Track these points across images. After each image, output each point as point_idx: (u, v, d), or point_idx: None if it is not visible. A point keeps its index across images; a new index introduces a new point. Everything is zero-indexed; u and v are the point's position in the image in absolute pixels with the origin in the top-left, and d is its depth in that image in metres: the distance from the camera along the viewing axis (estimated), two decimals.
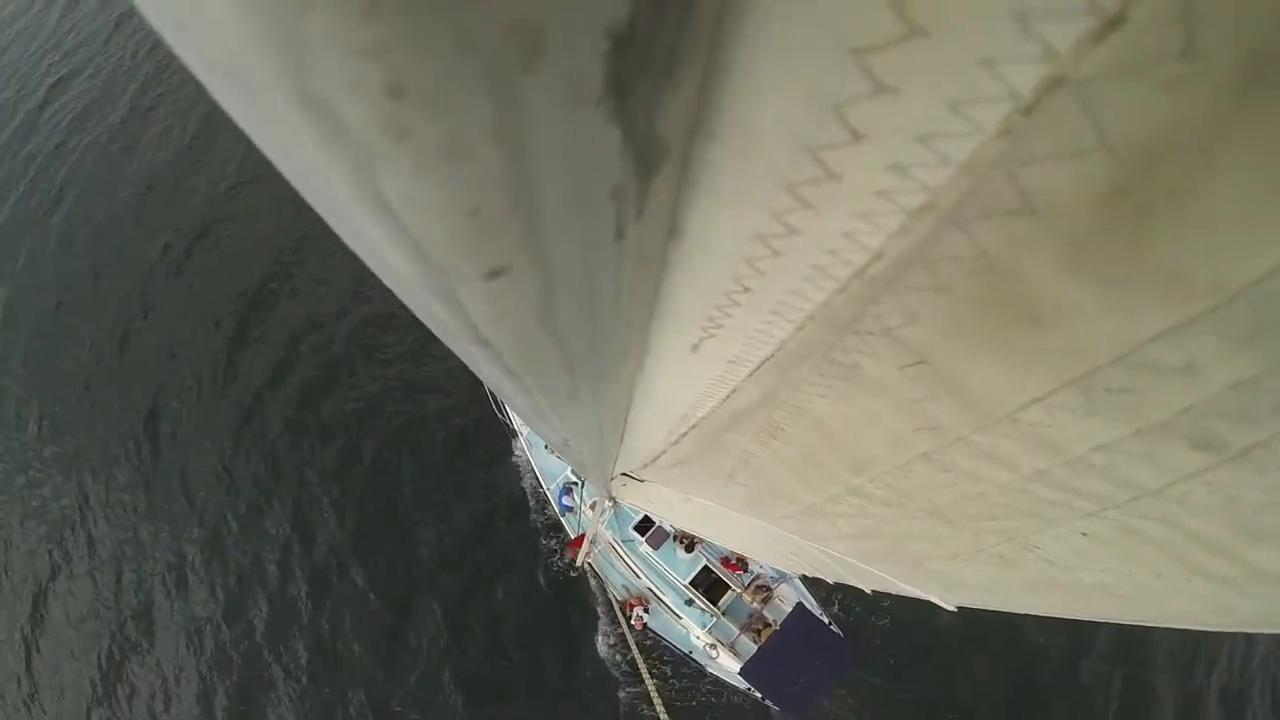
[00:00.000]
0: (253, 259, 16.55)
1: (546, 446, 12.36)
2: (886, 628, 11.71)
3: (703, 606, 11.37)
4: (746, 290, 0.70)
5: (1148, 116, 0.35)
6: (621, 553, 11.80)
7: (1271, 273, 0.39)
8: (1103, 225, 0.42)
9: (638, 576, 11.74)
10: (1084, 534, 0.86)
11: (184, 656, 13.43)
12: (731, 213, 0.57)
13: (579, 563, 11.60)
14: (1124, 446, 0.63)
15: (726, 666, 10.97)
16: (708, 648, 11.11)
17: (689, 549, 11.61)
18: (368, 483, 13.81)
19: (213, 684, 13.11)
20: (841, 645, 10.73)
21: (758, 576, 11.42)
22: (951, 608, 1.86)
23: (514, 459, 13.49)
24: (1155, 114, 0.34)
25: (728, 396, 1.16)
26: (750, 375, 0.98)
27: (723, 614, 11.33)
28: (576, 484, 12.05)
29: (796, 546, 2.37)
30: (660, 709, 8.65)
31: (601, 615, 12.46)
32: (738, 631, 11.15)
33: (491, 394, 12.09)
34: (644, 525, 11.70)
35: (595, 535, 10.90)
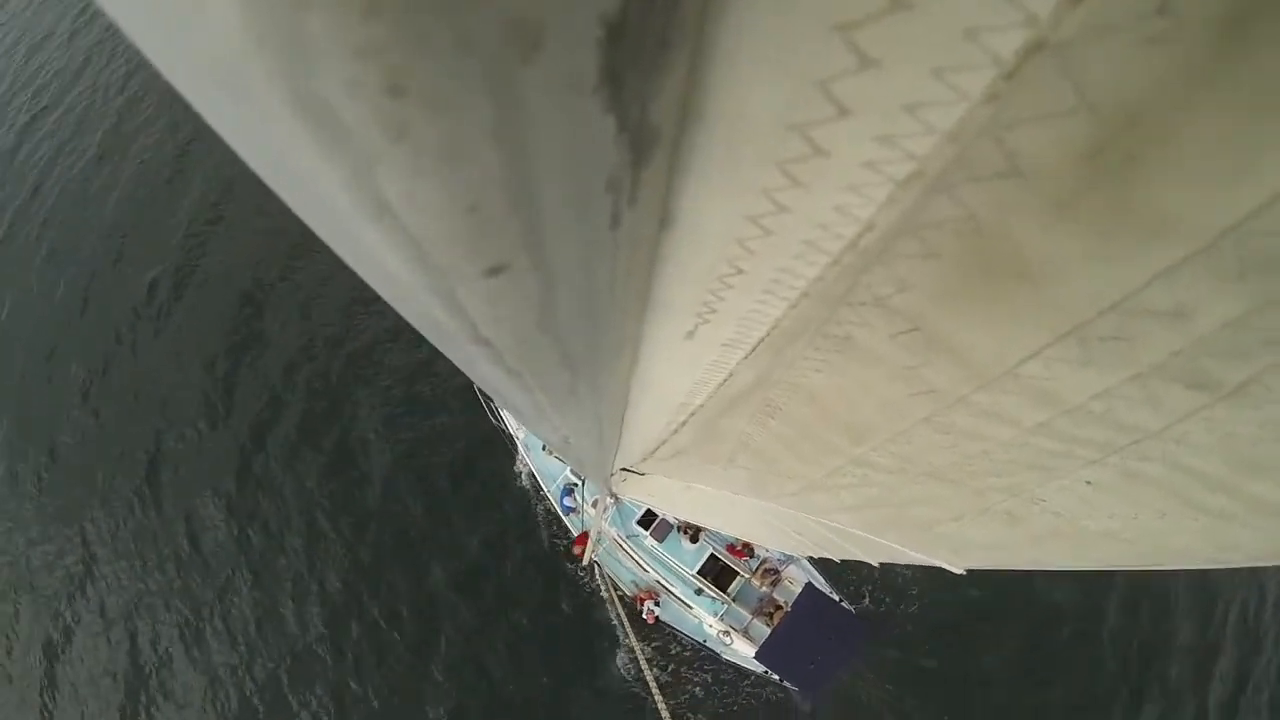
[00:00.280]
0: (239, 291, 16.39)
1: (545, 448, 12.35)
2: (900, 602, 11.82)
3: (713, 594, 11.42)
4: (739, 272, 0.70)
5: (1127, 74, 0.36)
6: (627, 548, 11.82)
7: (1253, 213, 0.40)
8: (1088, 180, 0.43)
9: (645, 571, 11.76)
10: (1088, 482, 0.87)
11: (206, 709, 13.23)
12: (722, 195, 0.57)
13: (585, 561, 11.60)
14: (1121, 392, 0.64)
15: (742, 652, 11.02)
16: (721, 635, 11.16)
17: (693, 539, 11.64)
18: (377, 513, 13.68)
19: None
20: (854, 621, 10.80)
21: (765, 560, 11.47)
22: (961, 570, 1.88)
23: (516, 469, 13.48)
24: (1134, 71, 0.35)
25: (724, 381, 1.17)
26: (746, 357, 0.99)
27: (733, 600, 11.37)
28: (577, 483, 12.05)
29: (800, 525, 2.38)
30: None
31: (612, 615, 12.49)
32: (750, 616, 11.20)
33: (487, 403, 12.07)
34: (647, 519, 11.72)
35: (599, 533, 10.90)
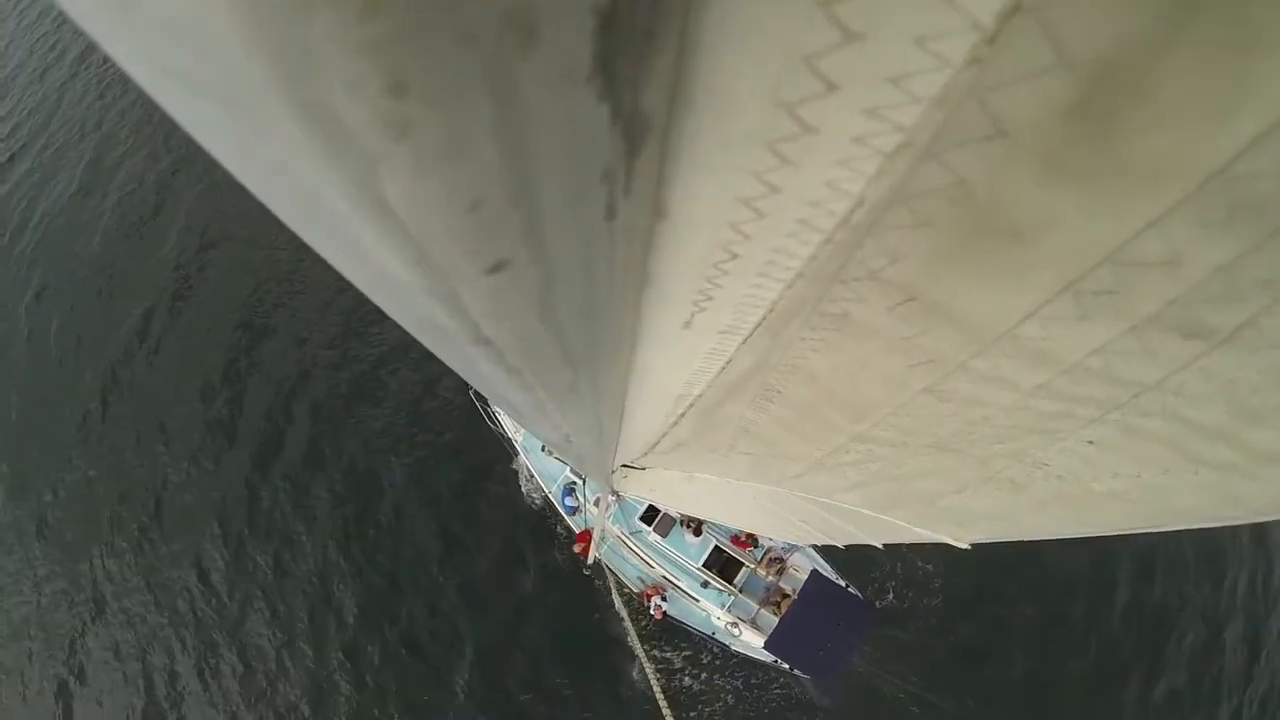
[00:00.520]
0: (235, 320, 16.26)
1: (544, 449, 12.34)
2: (909, 586, 11.89)
3: (719, 587, 11.43)
4: (734, 257, 0.71)
5: (1103, 26, 0.36)
6: (631, 545, 11.83)
7: (1238, 155, 0.41)
8: (1073, 135, 0.44)
9: (651, 566, 11.77)
10: (1090, 441, 0.88)
11: None
12: (714, 180, 0.58)
13: (589, 560, 11.61)
14: (1118, 346, 0.65)
15: (751, 643, 11.03)
16: (729, 626, 11.18)
17: (697, 532, 11.66)
18: (389, 534, 13.62)
19: None
20: (862, 606, 10.83)
21: (769, 550, 11.49)
22: (966, 545, 1.89)
23: (514, 467, 13.49)
24: (1110, 23, 0.36)
25: (723, 368, 1.17)
26: (743, 343, 0.99)
27: (740, 591, 11.39)
28: (578, 483, 12.04)
29: (803, 511, 2.39)
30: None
31: (618, 614, 12.51)
32: (757, 607, 11.21)
33: (484, 408, 12.05)
34: (650, 515, 11.73)
35: (603, 531, 10.90)
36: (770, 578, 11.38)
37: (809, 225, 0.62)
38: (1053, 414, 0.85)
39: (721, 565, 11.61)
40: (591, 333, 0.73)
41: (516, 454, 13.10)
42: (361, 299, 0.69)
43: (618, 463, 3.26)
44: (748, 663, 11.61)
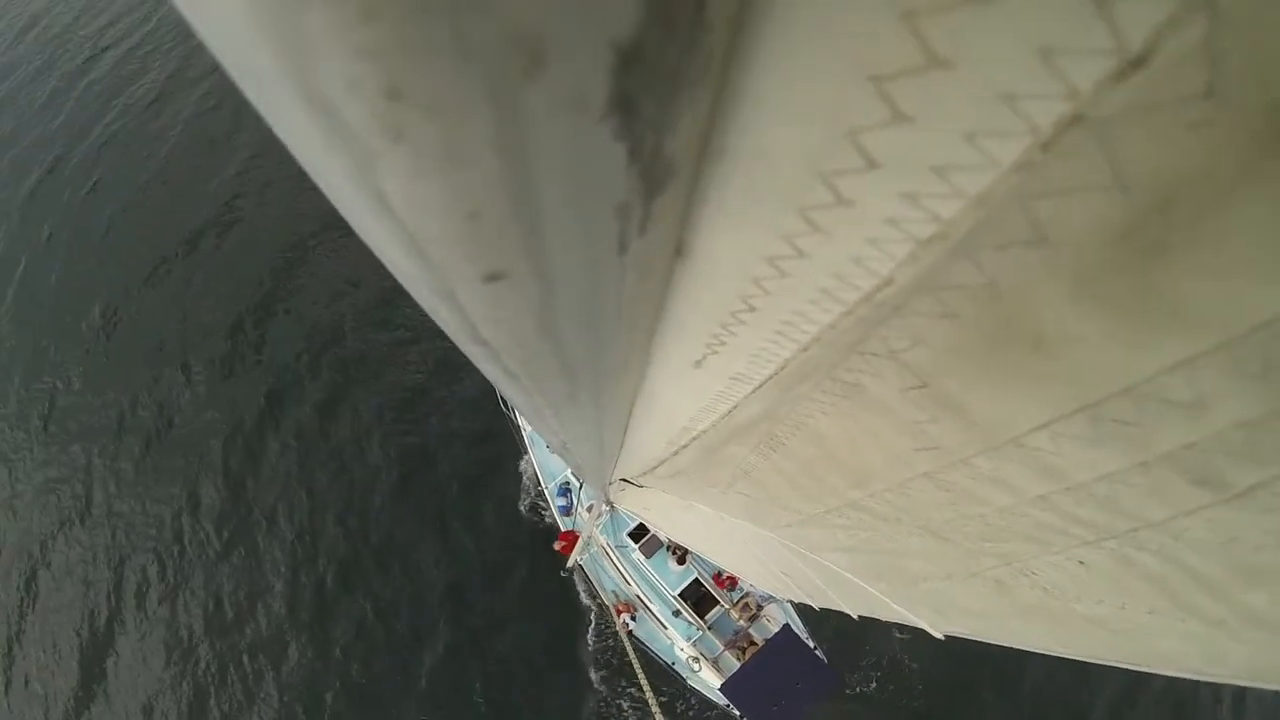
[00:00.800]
0: (275, 256, 16.39)
1: (548, 445, 12.33)
2: (894, 680, 11.71)
3: (689, 619, 11.33)
4: (752, 310, 0.70)
5: (1167, 157, 0.35)
6: (614, 558, 11.77)
7: None
8: (1115, 260, 0.42)
9: (628, 584, 11.71)
10: (1081, 562, 0.86)
11: None
12: (740, 233, 0.57)
13: (570, 564, 11.57)
14: (1127, 478, 0.63)
15: (708, 681, 10.90)
16: (690, 660, 11.06)
17: (681, 560, 11.58)
18: (386, 505, 13.59)
19: None
20: (825, 671, 10.66)
21: (747, 595, 11.38)
22: (940, 635, 1.86)
23: (521, 468, 13.44)
24: (1174, 155, 0.34)
25: (729, 411, 1.16)
26: (752, 392, 0.98)
27: (709, 628, 11.28)
28: (575, 485, 12.04)
29: (788, 564, 2.37)
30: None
31: (592, 621, 12.42)
32: (722, 647, 11.09)
33: (499, 392, 12.05)
34: (638, 533, 11.67)
35: (589, 538, 10.87)
36: (742, 622, 11.26)
37: (831, 295, 0.60)
38: (1048, 527, 0.83)
39: (697, 599, 11.51)
40: (596, 352, 0.72)
41: (524, 444, 13.11)
42: None
43: (616, 476, 3.25)
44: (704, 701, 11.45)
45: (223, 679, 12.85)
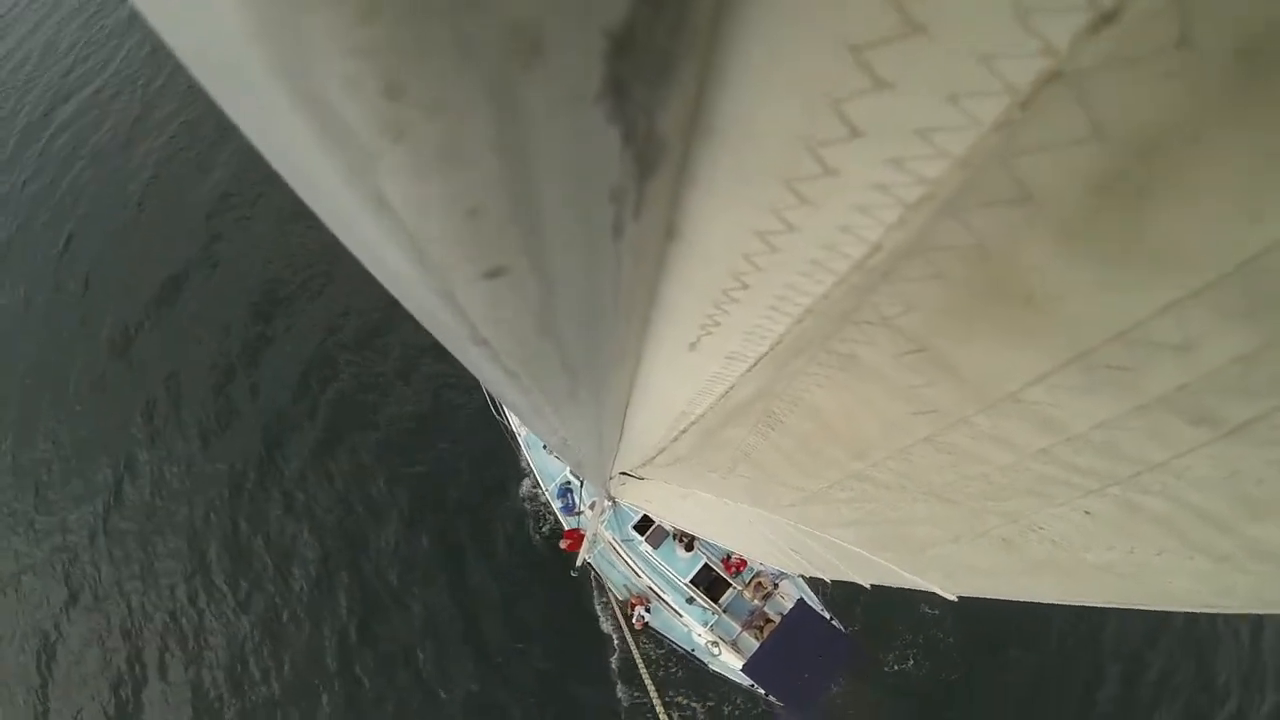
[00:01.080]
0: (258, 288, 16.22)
1: (545, 447, 12.35)
2: (893, 623, 11.80)
3: (704, 604, 11.39)
4: (745, 287, 0.70)
5: (1144, 107, 0.35)
6: (622, 552, 11.81)
7: (1267, 249, 0.40)
8: (1099, 209, 0.43)
9: (638, 576, 11.75)
10: (1087, 512, 0.87)
11: None
12: (729, 210, 0.57)
13: (579, 562, 11.60)
14: (1124, 423, 0.64)
15: (729, 664, 10.99)
16: (710, 645, 11.13)
17: (688, 547, 11.63)
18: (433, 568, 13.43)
19: None
20: (844, 639, 10.76)
21: (758, 574, 11.44)
22: (953, 596, 1.87)
23: (522, 467, 13.40)
24: (1151, 105, 0.35)
25: (726, 392, 1.17)
26: (748, 370, 0.99)
27: (724, 611, 11.35)
28: (576, 484, 12.05)
29: (796, 541, 2.38)
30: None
31: (604, 618, 12.44)
32: (739, 629, 11.17)
33: (491, 399, 12.05)
34: (643, 524, 11.71)
35: (595, 535, 10.90)
36: (756, 601, 11.34)
37: (823, 266, 0.61)
38: (1052, 479, 0.84)
39: (709, 583, 11.57)
40: (593, 344, 0.73)
41: (519, 449, 13.10)
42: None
43: (616, 470, 3.25)
44: (724, 684, 11.52)
45: None
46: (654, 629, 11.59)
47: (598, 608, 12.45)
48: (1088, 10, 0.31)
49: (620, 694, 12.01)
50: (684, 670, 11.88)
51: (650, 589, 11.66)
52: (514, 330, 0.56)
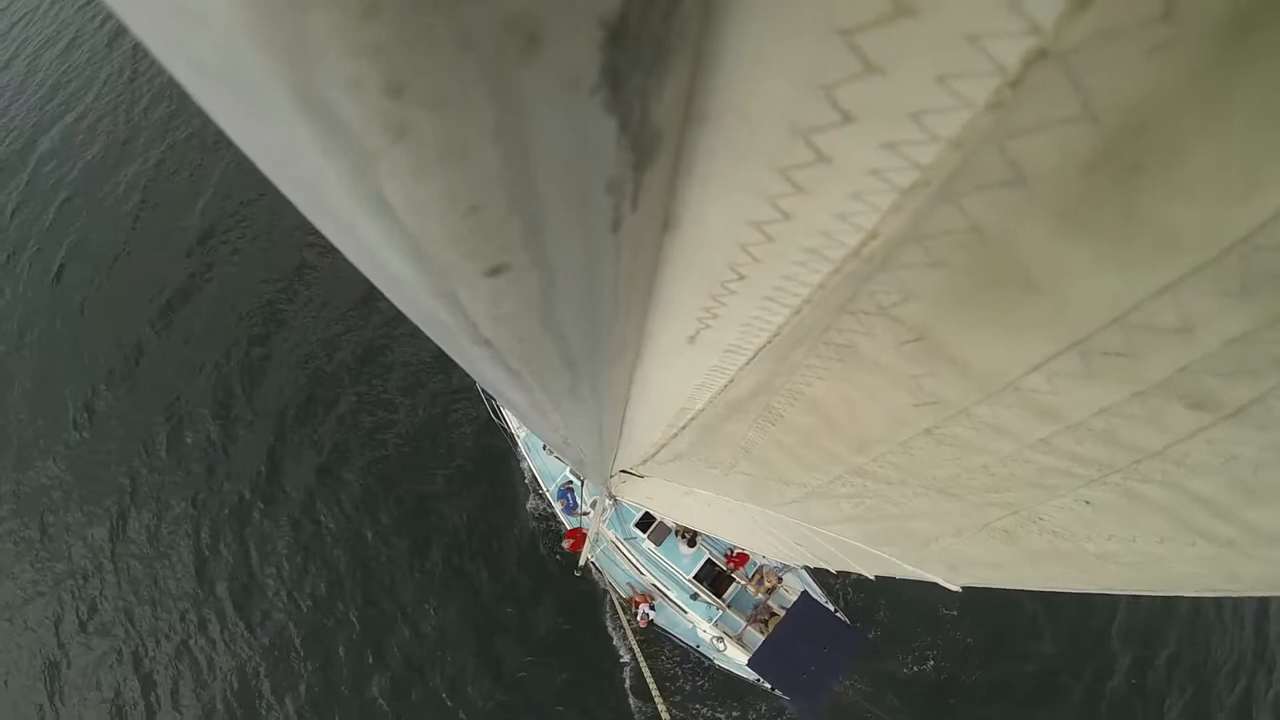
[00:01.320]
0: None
1: (545, 448, 12.36)
2: (898, 615, 11.81)
3: (708, 600, 11.39)
4: (741, 278, 0.70)
5: (1132, 82, 0.35)
6: (624, 550, 11.81)
7: (1260, 226, 0.40)
8: (1092, 189, 0.43)
9: (641, 573, 11.75)
10: (1087, 502, 0.86)
11: None
12: (725, 200, 0.57)
13: (581, 562, 11.60)
14: (1123, 409, 0.64)
15: (735, 659, 10.98)
16: (715, 641, 11.13)
17: (691, 543, 11.63)
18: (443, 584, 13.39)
19: None
20: (849, 632, 10.75)
21: (761, 568, 11.45)
22: (956, 588, 1.87)
23: (521, 466, 13.39)
24: (1139, 79, 0.35)
25: (725, 386, 1.16)
26: (747, 364, 0.98)
27: (728, 606, 11.34)
28: (576, 484, 12.06)
29: (799, 534, 2.38)
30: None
31: (608, 616, 12.43)
32: (744, 623, 11.16)
33: (489, 401, 12.06)
34: (645, 522, 11.71)
35: (598, 534, 10.90)
36: (760, 595, 11.34)
37: (819, 254, 0.61)
38: (1052, 469, 0.83)
39: (713, 579, 11.57)
40: (593, 339, 0.73)
41: (518, 449, 13.10)
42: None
43: (617, 468, 3.26)
44: (730, 679, 11.53)
45: None
46: (659, 626, 11.59)
47: (608, 622, 12.43)
48: None
49: (633, 706, 12.00)
50: (709, 682, 11.87)
51: (654, 586, 11.66)
52: (515, 327, 0.56)
